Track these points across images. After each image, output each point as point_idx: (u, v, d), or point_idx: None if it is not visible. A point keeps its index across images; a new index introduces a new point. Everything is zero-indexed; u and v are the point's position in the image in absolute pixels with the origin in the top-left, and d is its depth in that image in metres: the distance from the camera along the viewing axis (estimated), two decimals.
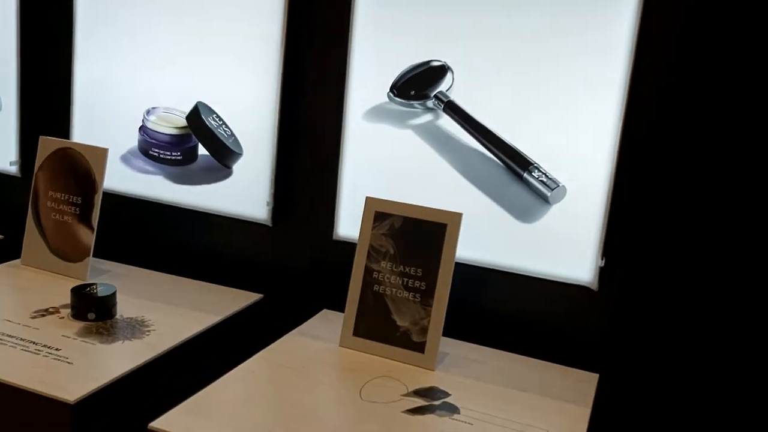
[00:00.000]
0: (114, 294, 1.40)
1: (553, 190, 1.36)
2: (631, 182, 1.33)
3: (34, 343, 1.26)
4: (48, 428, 1.10)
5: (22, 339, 1.27)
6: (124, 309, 1.43)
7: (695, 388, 1.36)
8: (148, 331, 1.35)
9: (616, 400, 1.39)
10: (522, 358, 1.39)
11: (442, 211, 1.32)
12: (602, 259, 1.34)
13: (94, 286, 1.42)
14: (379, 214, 1.36)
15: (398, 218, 1.35)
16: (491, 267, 1.43)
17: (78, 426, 1.10)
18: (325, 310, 1.53)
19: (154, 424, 1.04)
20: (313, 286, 1.61)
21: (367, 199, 1.38)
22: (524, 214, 1.40)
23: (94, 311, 1.36)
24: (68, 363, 1.20)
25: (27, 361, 1.20)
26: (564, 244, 1.37)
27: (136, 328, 1.36)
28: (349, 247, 1.48)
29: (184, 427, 1.04)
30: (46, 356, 1.22)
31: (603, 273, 1.35)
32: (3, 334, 1.28)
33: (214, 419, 1.08)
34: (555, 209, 1.37)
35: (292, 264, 1.63)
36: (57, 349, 1.24)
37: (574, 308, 1.41)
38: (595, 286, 1.36)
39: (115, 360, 1.23)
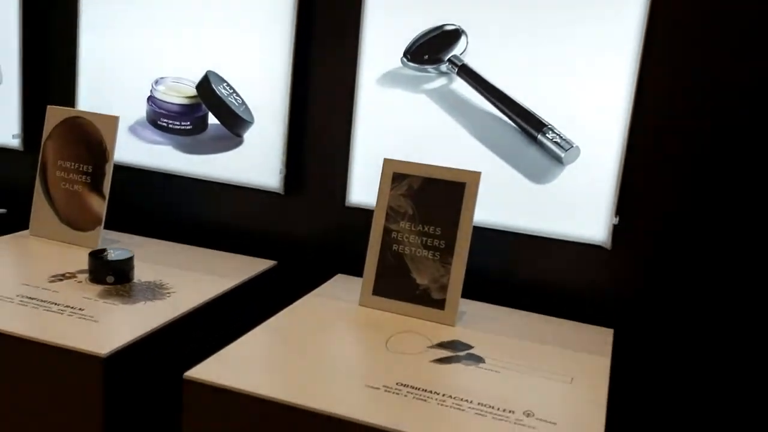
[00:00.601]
0: (132, 258, 1.40)
1: (567, 150, 1.39)
2: (644, 141, 1.36)
3: (56, 304, 1.26)
4: (80, 383, 1.10)
5: (43, 300, 1.27)
6: (140, 274, 1.42)
7: (709, 344, 1.40)
8: (168, 293, 1.35)
9: (631, 355, 1.42)
10: (538, 315, 1.42)
11: (461, 170, 1.34)
12: (616, 217, 1.37)
13: (110, 251, 1.41)
14: (397, 175, 1.38)
15: (416, 179, 1.37)
16: (505, 229, 1.45)
17: (109, 380, 1.10)
18: (339, 274, 1.55)
19: (189, 374, 1.04)
20: (327, 253, 1.62)
21: (385, 160, 1.39)
22: (538, 176, 1.43)
23: (112, 274, 1.36)
24: (94, 321, 1.20)
25: (52, 320, 1.19)
26: (578, 204, 1.40)
27: (156, 290, 1.36)
28: (362, 213, 1.50)
29: (219, 375, 1.04)
30: (71, 315, 1.21)
31: (616, 232, 1.38)
32: (23, 296, 1.28)
33: (248, 368, 1.09)
34: (569, 170, 1.40)
35: (305, 231, 1.64)
36: (81, 309, 1.24)
37: (588, 267, 1.44)
38: (608, 245, 1.39)
39: (140, 318, 1.23)
